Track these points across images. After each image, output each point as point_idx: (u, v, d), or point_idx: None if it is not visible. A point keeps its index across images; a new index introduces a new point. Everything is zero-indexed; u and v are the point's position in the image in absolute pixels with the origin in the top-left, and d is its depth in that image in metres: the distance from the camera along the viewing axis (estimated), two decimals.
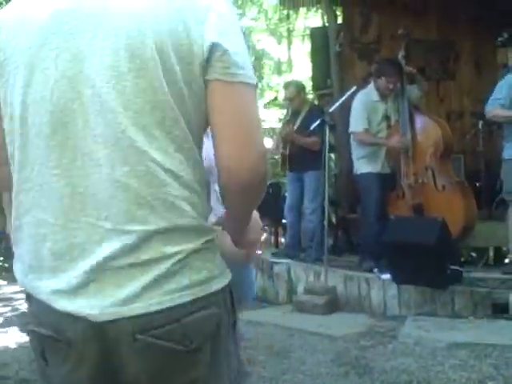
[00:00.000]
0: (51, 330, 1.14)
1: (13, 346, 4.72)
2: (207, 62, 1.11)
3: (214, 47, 1.11)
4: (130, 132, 1.09)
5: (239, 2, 14.59)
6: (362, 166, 5.39)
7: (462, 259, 5.02)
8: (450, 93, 7.12)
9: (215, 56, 1.11)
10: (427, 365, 3.63)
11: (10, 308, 6.31)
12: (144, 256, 1.09)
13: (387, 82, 5.26)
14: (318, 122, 5.44)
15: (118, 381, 1.15)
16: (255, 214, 1.36)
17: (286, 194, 6.38)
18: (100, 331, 1.10)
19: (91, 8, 1.12)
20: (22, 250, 1.18)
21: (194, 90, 1.13)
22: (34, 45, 1.13)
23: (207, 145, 1.21)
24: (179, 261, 1.11)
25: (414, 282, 4.68)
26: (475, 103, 6.54)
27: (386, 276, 4.90)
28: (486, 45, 7.02)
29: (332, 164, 7.01)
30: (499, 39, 6.81)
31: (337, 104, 5.61)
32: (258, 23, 16.61)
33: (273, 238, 7.37)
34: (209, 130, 1.16)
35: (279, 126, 7.89)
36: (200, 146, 1.19)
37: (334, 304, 5.06)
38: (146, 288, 1.09)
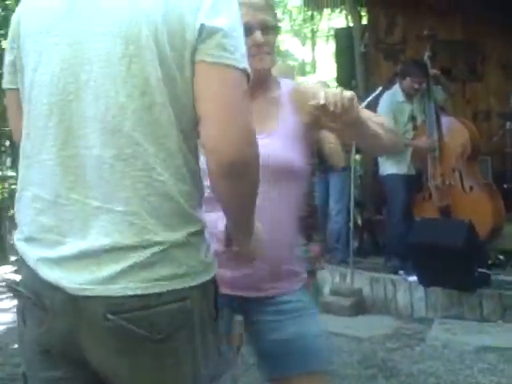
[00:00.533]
0: (33, 294, 1.22)
1: None
2: (196, 45, 1.14)
3: (202, 29, 1.13)
4: (119, 116, 1.14)
5: None
6: (387, 168, 5.36)
7: (490, 262, 4.96)
8: (476, 94, 7.03)
9: (202, 37, 1.14)
10: (455, 368, 3.61)
11: None
12: (126, 241, 1.13)
13: (412, 82, 5.23)
14: None
15: (83, 359, 1.19)
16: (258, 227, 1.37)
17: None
18: (75, 305, 1.15)
19: None
20: (19, 220, 1.27)
21: (186, 76, 1.16)
22: (43, 30, 1.20)
23: None
24: (161, 251, 1.14)
25: (441, 284, 4.64)
26: (502, 104, 6.46)
27: (413, 278, 4.87)
28: None
29: (357, 165, 6.97)
30: None
31: (362, 105, 5.58)
32: (282, 24, 16.60)
33: None
34: None
35: None
36: (192, 133, 1.20)
37: (360, 306, 5.05)
38: (125, 272, 1.13)
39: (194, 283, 1.17)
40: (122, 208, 1.14)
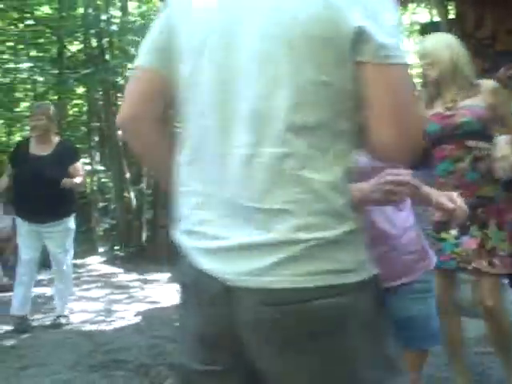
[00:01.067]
0: (191, 283, 1.27)
1: (131, 331, 4.93)
2: (355, 45, 1.13)
3: (361, 30, 1.13)
4: (274, 116, 1.16)
5: None
6: None
7: None
8: None
9: (363, 39, 1.13)
10: None
11: (126, 295, 6.53)
12: (282, 237, 1.15)
13: (506, 69, 5.10)
14: None
15: (242, 350, 1.21)
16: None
17: None
18: (232, 295, 1.18)
19: None
20: (180, 213, 1.31)
21: (342, 73, 1.16)
22: (203, 30, 1.24)
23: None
24: (316, 247, 1.14)
25: None
26: None
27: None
28: None
29: None
30: None
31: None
32: None
33: None
34: None
35: None
36: (344, 133, 1.20)
37: None
38: (280, 264, 1.14)
39: (351, 280, 1.16)
40: (279, 206, 1.15)
